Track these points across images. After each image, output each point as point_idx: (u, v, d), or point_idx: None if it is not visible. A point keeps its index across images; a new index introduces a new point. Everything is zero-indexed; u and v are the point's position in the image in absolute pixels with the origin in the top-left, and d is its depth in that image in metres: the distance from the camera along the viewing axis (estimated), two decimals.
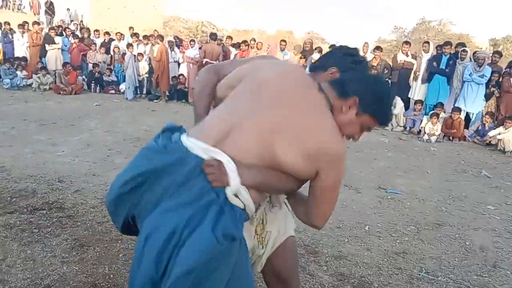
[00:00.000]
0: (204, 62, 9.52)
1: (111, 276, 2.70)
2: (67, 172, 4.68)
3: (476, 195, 4.94)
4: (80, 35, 12.39)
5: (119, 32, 12.45)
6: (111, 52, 11.76)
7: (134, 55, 10.49)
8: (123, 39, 12.26)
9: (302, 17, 57.77)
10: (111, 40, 12.32)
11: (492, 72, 8.06)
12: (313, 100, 1.44)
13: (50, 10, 22.72)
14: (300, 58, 9.99)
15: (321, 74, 1.71)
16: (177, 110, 9.41)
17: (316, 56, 10.13)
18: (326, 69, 1.71)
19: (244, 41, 10.50)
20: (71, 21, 21.81)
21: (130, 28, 13.34)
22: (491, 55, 8.59)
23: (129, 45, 10.85)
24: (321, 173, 1.39)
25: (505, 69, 8.41)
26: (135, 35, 11.62)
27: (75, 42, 11.52)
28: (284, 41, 11.20)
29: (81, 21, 24.32)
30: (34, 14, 23.17)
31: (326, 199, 1.47)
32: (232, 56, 10.62)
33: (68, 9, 24.33)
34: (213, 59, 9.60)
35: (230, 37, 12.16)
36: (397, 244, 3.47)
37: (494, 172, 6.05)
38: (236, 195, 1.34)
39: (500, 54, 8.95)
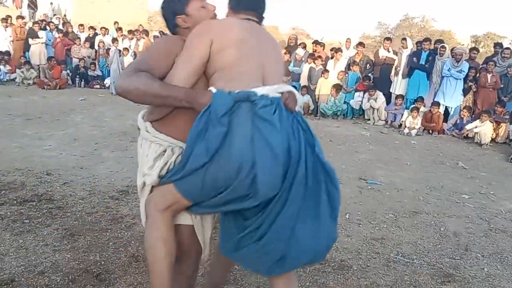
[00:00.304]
0: None
1: (102, 263, 2.81)
2: (54, 165, 4.75)
3: (452, 185, 5.16)
4: (64, 30, 12.31)
5: (103, 27, 12.41)
6: (96, 47, 11.73)
7: (119, 50, 10.50)
8: (107, 34, 12.23)
9: (287, 12, 57.85)
10: (96, 34, 12.28)
11: (470, 68, 8.34)
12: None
13: (33, 3, 22.43)
14: (285, 53, 10.12)
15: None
16: None
17: (300, 51, 10.29)
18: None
19: None
20: (54, 15, 21.52)
21: (115, 23, 13.30)
22: (468, 51, 8.87)
23: (115, 40, 10.85)
24: None
25: (481, 65, 8.70)
26: (120, 29, 11.61)
27: (59, 37, 11.47)
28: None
29: (65, 15, 24.00)
30: (17, 7, 22.75)
31: None
32: None
33: (51, 3, 23.97)
34: None
35: None
36: (376, 231, 3.65)
37: (470, 164, 6.30)
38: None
39: (477, 50, 9.26)
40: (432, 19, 31.01)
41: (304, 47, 10.69)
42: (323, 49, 10.58)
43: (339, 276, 2.85)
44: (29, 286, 2.50)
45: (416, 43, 9.59)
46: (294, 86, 9.91)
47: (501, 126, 7.67)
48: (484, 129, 7.48)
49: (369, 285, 2.79)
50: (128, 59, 10.54)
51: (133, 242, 3.12)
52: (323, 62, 9.94)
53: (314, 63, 9.75)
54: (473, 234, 3.74)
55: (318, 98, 9.53)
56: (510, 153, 6.85)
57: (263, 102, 1.57)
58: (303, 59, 10.08)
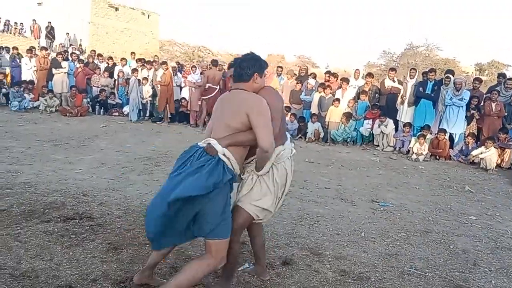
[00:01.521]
0: (206, 87, 10.11)
1: None
2: (88, 187, 5.12)
3: (459, 207, 5.46)
4: (85, 60, 12.94)
5: (124, 58, 13.04)
6: (116, 76, 12.31)
7: (139, 80, 11.04)
8: (126, 64, 12.84)
9: (292, 41, 59.18)
10: (115, 64, 12.89)
11: (472, 97, 8.73)
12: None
13: (51, 34, 23.36)
14: (297, 83, 10.61)
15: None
16: (180, 132, 9.92)
17: (311, 81, 10.77)
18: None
19: None
20: (70, 45, 22.42)
21: (132, 53, 13.96)
22: (470, 81, 9.28)
23: (134, 70, 11.41)
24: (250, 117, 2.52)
25: (485, 94, 9.09)
26: (140, 60, 12.21)
27: (80, 67, 12.07)
28: (281, 67, 11.88)
29: (80, 45, 24.93)
30: (35, 38, 23.75)
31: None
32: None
33: (67, 33, 24.96)
34: (215, 84, 10.19)
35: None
36: (390, 248, 3.95)
37: (476, 188, 6.60)
38: (224, 155, 2.51)
39: (480, 80, 9.70)
40: (437, 48, 31.63)
41: (315, 77, 11.21)
42: (336, 79, 11.04)
43: (358, 286, 3.15)
44: None
45: (423, 73, 10.04)
46: (303, 116, 10.35)
47: (506, 152, 8.00)
48: (489, 155, 7.81)
49: None
50: (146, 88, 11.08)
51: (170, 255, 3.44)
52: (332, 91, 10.39)
53: (324, 92, 10.21)
54: (481, 251, 4.03)
55: (328, 125, 9.94)
56: None
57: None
58: (314, 88, 10.54)
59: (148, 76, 11.43)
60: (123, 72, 12.18)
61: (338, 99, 10.01)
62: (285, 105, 10.14)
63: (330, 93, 10.26)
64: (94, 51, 13.90)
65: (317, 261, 3.53)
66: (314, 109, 10.32)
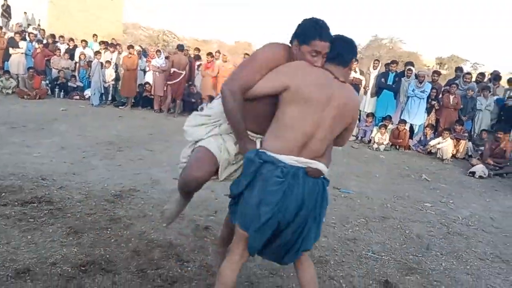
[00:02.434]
0: (172, 72, 9.95)
1: (107, 256, 3.10)
2: (47, 171, 4.97)
3: (416, 195, 5.70)
4: (44, 41, 12.42)
5: (84, 40, 12.60)
6: (77, 59, 11.90)
7: (101, 63, 10.73)
8: (87, 46, 12.43)
9: (259, 29, 59.02)
10: (76, 46, 12.46)
11: (432, 88, 9.06)
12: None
13: (6, 12, 22.20)
14: None
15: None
16: (144, 116, 9.76)
17: None
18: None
19: (210, 53, 11.02)
20: (28, 25, 21.44)
21: (94, 35, 13.52)
22: (430, 74, 9.63)
23: (97, 52, 11.07)
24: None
25: (444, 86, 9.46)
26: (103, 43, 11.85)
27: (39, 47, 11.58)
28: (248, 54, 11.82)
29: (38, 25, 23.84)
30: None
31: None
32: (196, 66, 11.13)
33: (25, 13, 23.77)
34: (180, 69, 10.04)
35: (197, 49, 12.69)
36: (349, 233, 4.09)
37: (433, 177, 6.90)
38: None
39: (438, 73, 10.08)
40: (400, 41, 32.43)
41: None
42: None
43: (318, 269, 3.25)
44: (44, 275, 2.77)
45: (385, 65, 10.30)
46: None
47: (461, 143, 8.37)
48: (445, 145, 8.16)
49: (344, 276, 3.20)
50: (109, 72, 10.78)
51: (133, 239, 3.42)
52: None
53: None
54: (434, 237, 4.24)
55: None
56: (468, 167, 7.51)
57: (278, 172, 2.05)
58: None
59: (111, 59, 11.12)
60: (84, 55, 11.79)
61: None
62: None
63: None
64: (54, 35, 13.32)
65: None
66: None
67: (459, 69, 10.44)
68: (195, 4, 60.01)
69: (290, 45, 2.19)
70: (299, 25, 2.15)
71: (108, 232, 3.52)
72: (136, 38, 27.10)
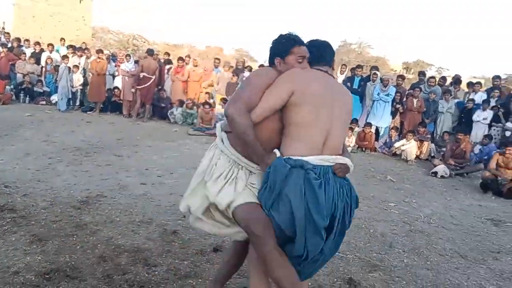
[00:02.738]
0: (141, 76, 9.88)
1: (73, 263, 3.08)
2: (10, 178, 4.87)
3: (381, 195, 5.87)
4: (9, 44, 12.10)
5: (51, 44, 12.33)
6: (43, 63, 11.65)
7: (69, 67, 10.54)
8: (54, 51, 12.18)
9: (231, 34, 59.19)
10: (42, 50, 12.18)
11: (396, 92, 9.35)
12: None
13: None
14: (233, 76, 10.69)
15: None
16: (113, 121, 9.64)
17: (247, 74, 10.89)
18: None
19: (180, 58, 10.99)
20: None
21: (62, 39, 13.27)
22: (395, 78, 9.95)
23: (65, 57, 10.86)
24: None
25: (408, 90, 9.77)
26: (71, 47, 11.64)
27: (3, 51, 11.26)
28: (218, 59, 11.90)
29: (3, 28, 23.15)
30: None
31: None
32: (166, 70, 11.07)
33: None
34: (150, 73, 9.98)
35: (167, 53, 12.65)
36: None
37: (397, 177, 7.12)
38: None
39: (403, 77, 10.43)
40: (368, 46, 33.18)
41: (250, 70, 11.36)
42: None
43: None
44: (6, 284, 2.72)
45: (351, 69, 10.56)
46: None
47: (424, 144, 8.67)
48: (409, 147, 8.43)
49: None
50: (77, 76, 10.61)
51: (99, 245, 3.41)
52: None
53: None
54: (397, 235, 4.39)
55: None
56: (431, 168, 7.78)
57: (313, 174, 2.03)
58: None
59: (79, 63, 10.93)
60: (51, 59, 11.54)
61: None
62: (222, 97, 10.57)
63: None
64: (19, 38, 12.97)
65: None
66: None
67: (422, 74, 10.81)
68: (165, 7, 59.57)
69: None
70: (272, 46, 2.26)
71: (74, 239, 3.48)
72: (106, 42, 26.69)
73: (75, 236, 3.53)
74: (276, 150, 2.14)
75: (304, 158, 2.05)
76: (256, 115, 2.11)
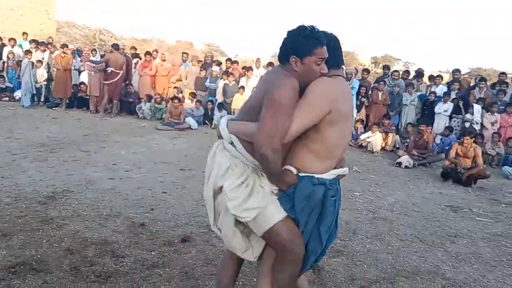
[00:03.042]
0: (109, 71, 9.74)
1: (39, 256, 3.08)
2: None
3: (347, 185, 6.03)
4: None
5: (13, 38, 11.95)
6: (4, 58, 11.29)
7: (32, 62, 10.26)
8: (16, 45, 11.82)
9: (200, 29, 58.75)
10: (3, 45, 11.80)
11: (361, 86, 9.59)
12: None
13: None
14: (201, 70, 10.68)
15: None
16: (79, 117, 9.46)
17: (216, 68, 10.91)
18: None
19: (148, 52, 10.88)
20: None
21: (24, 33, 12.89)
22: (357, 71, 10.22)
23: (28, 52, 10.55)
24: None
25: (373, 84, 10.04)
26: (34, 41, 11.31)
27: None
28: (186, 53, 11.85)
29: None
30: None
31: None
32: (133, 65, 10.94)
33: None
34: (117, 68, 9.84)
35: (134, 48, 12.49)
36: None
37: (363, 168, 7.33)
38: None
39: (368, 71, 10.69)
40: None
41: (219, 64, 11.38)
42: (238, 67, 11.31)
43: None
44: None
45: None
46: (211, 100, 10.53)
47: (389, 136, 8.95)
48: (375, 139, 8.68)
49: None
50: (41, 71, 10.34)
51: (66, 239, 3.40)
52: (236, 79, 10.66)
53: (228, 80, 10.43)
54: (361, 222, 4.55)
55: (234, 112, 10.18)
56: (396, 158, 8.05)
57: (332, 190, 2.06)
58: (218, 75, 10.71)
59: (43, 58, 10.65)
60: (13, 54, 11.20)
61: (243, 87, 10.28)
62: (190, 91, 10.55)
63: (234, 80, 10.50)
64: None
65: (215, 236, 3.70)
66: (219, 96, 10.49)
67: (386, 67, 11.11)
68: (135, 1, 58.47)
69: (282, 64, 2.02)
70: (290, 40, 1.96)
71: (40, 233, 3.47)
72: (71, 37, 26.02)
73: (40, 230, 3.52)
74: (292, 168, 2.02)
75: (324, 176, 2.04)
76: (291, 136, 1.95)
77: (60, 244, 3.30)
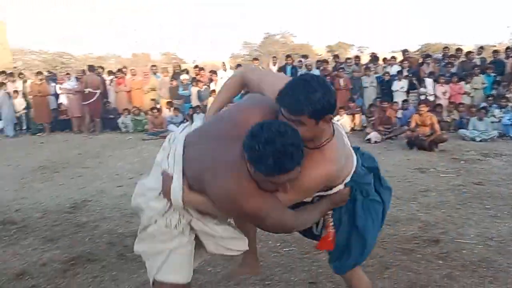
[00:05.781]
0: (87, 92, 10.19)
1: (88, 251, 3.62)
2: None
3: None
4: None
5: None
6: None
7: (8, 93, 10.54)
8: None
9: (155, 38, 58.52)
10: None
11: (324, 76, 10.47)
12: None
13: None
14: (172, 80, 11.30)
15: None
16: (66, 139, 9.86)
17: (185, 76, 11.53)
18: None
19: (119, 70, 11.39)
20: None
21: None
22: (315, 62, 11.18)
23: (1, 84, 10.82)
24: None
25: (332, 71, 10.95)
26: (2, 73, 11.55)
27: None
28: (155, 65, 12.42)
29: None
30: None
31: None
32: (108, 83, 11.41)
33: None
34: (94, 88, 10.31)
35: (101, 67, 12.94)
36: None
37: None
38: None
39: (326, 61, 11.60)
40: (291, 35, 34.41)
41: (187, 72, 12.05)
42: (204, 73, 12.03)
43: None
44: (41, 273, 3.23)
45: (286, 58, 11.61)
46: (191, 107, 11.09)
47: (356, 117, 9.84)
48: (343, 121, 9.53)
49: None
50: (18, 101, 10.64)
51: (104, 235, 3.97)
52: (206, 83, 11.35)
53: (198, 86, 11.11)
54: None
55: None
56: (365, 136, 8.93)
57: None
58: (189, 82, 11.36)
59: (16, 87, 10.93)
60: None
61: (214, 90, 10.94)
62: (167, 100, 11.13)
63: (204, 85, 11.18)
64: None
65: None
66: (194, 101, 11.11)
67: (336, 56, 12.13)
68: (80, 20, 57.58)
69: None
70: (248, 143, 1.52)
71: (80, 234, 4.02)
72: (30, 64, 25.78)
73: (80, 232, 4.07)
74: (339, 187, 1.94)
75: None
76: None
77: (101, 240, 3.87)
